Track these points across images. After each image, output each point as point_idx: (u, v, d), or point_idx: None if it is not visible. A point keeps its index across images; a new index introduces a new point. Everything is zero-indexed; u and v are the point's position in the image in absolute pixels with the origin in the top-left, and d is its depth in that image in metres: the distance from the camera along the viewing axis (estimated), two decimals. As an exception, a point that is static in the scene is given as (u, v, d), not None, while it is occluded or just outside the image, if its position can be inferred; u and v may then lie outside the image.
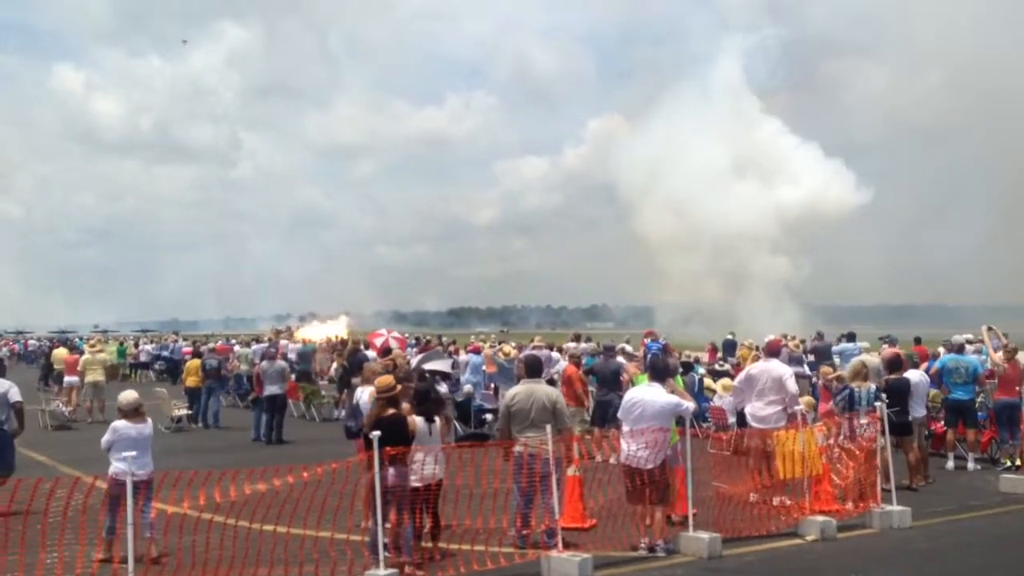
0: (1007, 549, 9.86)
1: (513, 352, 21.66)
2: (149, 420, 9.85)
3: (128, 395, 9.88)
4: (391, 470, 8.42)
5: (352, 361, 21.33)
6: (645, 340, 16.85)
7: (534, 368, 10.26)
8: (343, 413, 21.21)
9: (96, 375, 22.72)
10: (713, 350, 29.65)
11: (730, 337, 29.87)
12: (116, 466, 9.05)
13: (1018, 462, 13.44)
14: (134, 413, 9.59)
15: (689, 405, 9.95)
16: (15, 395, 11.97)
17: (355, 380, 20.55)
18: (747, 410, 11.68)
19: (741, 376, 12.14)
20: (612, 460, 12.70)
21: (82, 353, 26.13)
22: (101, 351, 25.80)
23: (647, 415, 9.27)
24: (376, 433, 8.34)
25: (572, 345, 26.16)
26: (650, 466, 9.20)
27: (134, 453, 8.92)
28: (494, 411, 18.32)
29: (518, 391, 9.93)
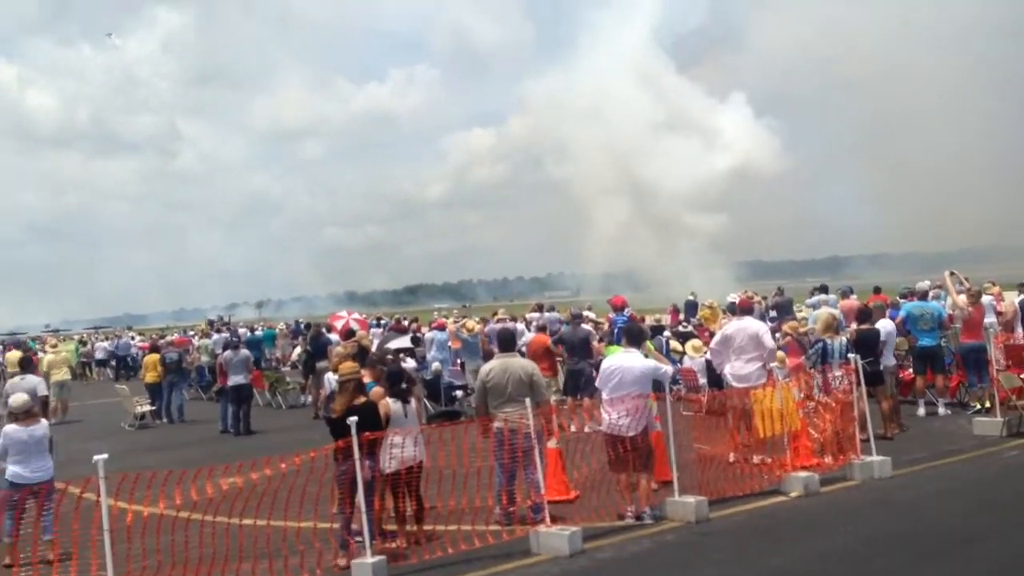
0: (990, 491, 9.94)
1: (477, 327, 21.48)
2: (43, 421, 9.70)
3: (18, 398, 9.79)
4: (366, 462, 8.21)
5: (315, 345, 21.03)
6: (611, 315, 16.66)
7: (507, 342, 10.09)
8: (309, 399, 20.99)
9: (62, 375, 22.30)
10: (675, 311, 29.74)
11: (691, 298, 30.00)
12: (10, 469, 9.18)
13: (987, 404, 13.60)
14: (25, 415, 9.46)
15: (668, 369, 9.90)
16: (42, 389, 13.73)
17: (320, 364, 20.43)
18: (727, 370, 11.62)
19: (717, 337, 12.08)
20: (587, 429, 12.68)
21: (36, 354, 25.48)
22: (61, 351, 25.24)
23: (627, 381, 9.16)
24: (353, 419, 8.13)
25: (536, 315, 26.06)
26: (632, 433, 9.11)
27: (19, 456, 9.10)
28: (463, 387, 18.19)
29: (493, 366, 9.76)
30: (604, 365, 9.58)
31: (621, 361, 9.37)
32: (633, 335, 9.92)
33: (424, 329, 26.08)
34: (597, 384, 9.56)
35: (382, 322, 34.39)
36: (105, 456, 7.02)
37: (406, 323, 31.21)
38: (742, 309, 12.50)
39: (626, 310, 17.42)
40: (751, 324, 11.97)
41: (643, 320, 21.96)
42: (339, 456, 8.28)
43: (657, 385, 9.60)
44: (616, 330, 14.00)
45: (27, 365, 15.11)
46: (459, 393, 17.87)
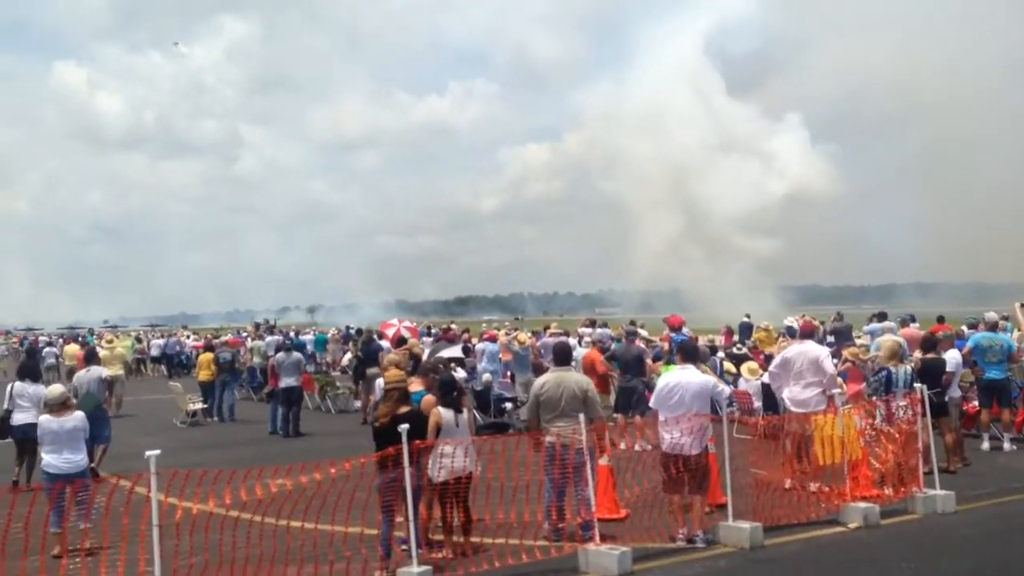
0: (1057, 533, 9.54)
1: (528, 340, 21.36)
2: (77, 413, 9.80)
3: (54, 389, 10.04)
4: (411, 471, 8.10)
5: (367, 351, 21.07)
6: (669, 334, 16.34)
7: (563, 356, 9.93)
8: (359, 404, 21.00)
9: (116, 370, 22.59)
10: (729, 333, 29.32)
11: (746, 319, 29.49)
12: (45, 459, 9.45)
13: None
14: (60, 407, 9.62)
15: (724, 387, 9.68)
16: (107, 374, 15.25)
17: (370, 370, 20.46)
18: (785, 394, 11.33)
19: (777, 360, 11.80)
20: (637, 448, 12.45)
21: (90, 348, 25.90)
22: (116, 347, 25.61)
23: (687, 398, 8.94)
24: (404, 426, 8.04)
25: (587, 330, 25.87)
26: (695, 451, 8.88)
27: (52, 447, 9.33)
28: (513, 400, 18.07)
29: (547, 379, 9.61)
30: (661, 383, 9.33)
31: (679, 378, 9.15)
32: (688, 351, 9.72)
33: (474, 340, 26.06)
34: (653, 403, 9.30)
35: (432, 331, 34.48)
36: (157, 452, 7.01)
37: (457, 332, 31.31)
38: (804, 333, 12.21)
39: (683, 329, 17.18)
40: (812, 348, 11.67)
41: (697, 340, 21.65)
42: (381, 464, 8.19)
43: (712, 405, 9.37)
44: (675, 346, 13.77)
45: (92, 357, 16.06)
46: (508, 405, 17.75)
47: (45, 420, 9.54)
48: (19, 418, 12.54)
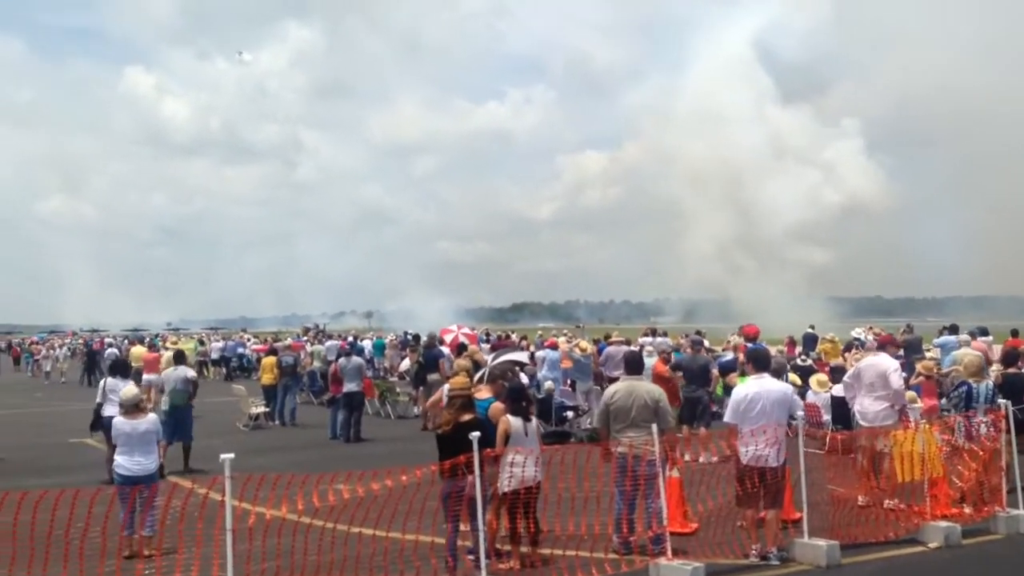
0: None
1: (590, 348, 21.19)
2: (150, 416, 9.92)
3: (128, 391, 10.18)
4: (469, 479, 8.01)
5: (427, 357, 21.09)
6: (746, 344, 15.98)
7: (635, 364, 9.75)
8: (419, 410, 21.02)
9: (179, 372, 22.86)
10: (791, 344, 28.79)
11: (810, 331, 28.93)
12: (117, 460, 9.56)
13: None
14: (133, 409, 9.71)
15: (798, 399, 9.43)
16: (192, 374, 16.10)
17: (431, 376, 20.49)
18: (855, 407, 11.03)
19: (851, 371, 11.47)
20: (702, 460, 12.23)
21: (159, 351, 26.34)
22: (181, 348, 25.96)
23: (768, 407, 8.71)
24: (476, 434, 7.96)
25: (648, 339, 25.57)
26: (776, 464, 8.66)
27: (124, 448, 9.43)
28: (574, 408, 17.92)
29: (618, 388, 9.46)
30: (740, 394, 9.02)
31: (759, 387, 8.90)
32: (761, 360, 9.47)
33: (531, 347, 25.94)
34: (730, 416, 9.01)
35: (490, 337, 34.45)
36: (231, 455, 7.03)
37: (515, 340, 31.23)
38: (880, 344, 11.85)
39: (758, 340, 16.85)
40: (882, 361, 11.31)
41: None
42: (444, 473, 8.12)
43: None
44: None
45: (180, 358, 17.07)
46: (570, 414, 17.60)
47: (119, 422, 9.65)
48: (110, 412, 12.82)
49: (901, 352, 21.71)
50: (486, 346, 27.89)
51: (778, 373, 9.86)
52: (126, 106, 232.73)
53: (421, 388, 20.92)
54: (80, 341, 53.43)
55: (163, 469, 12.41)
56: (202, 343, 43.80)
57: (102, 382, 14.15)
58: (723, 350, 22.12)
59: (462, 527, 8.44)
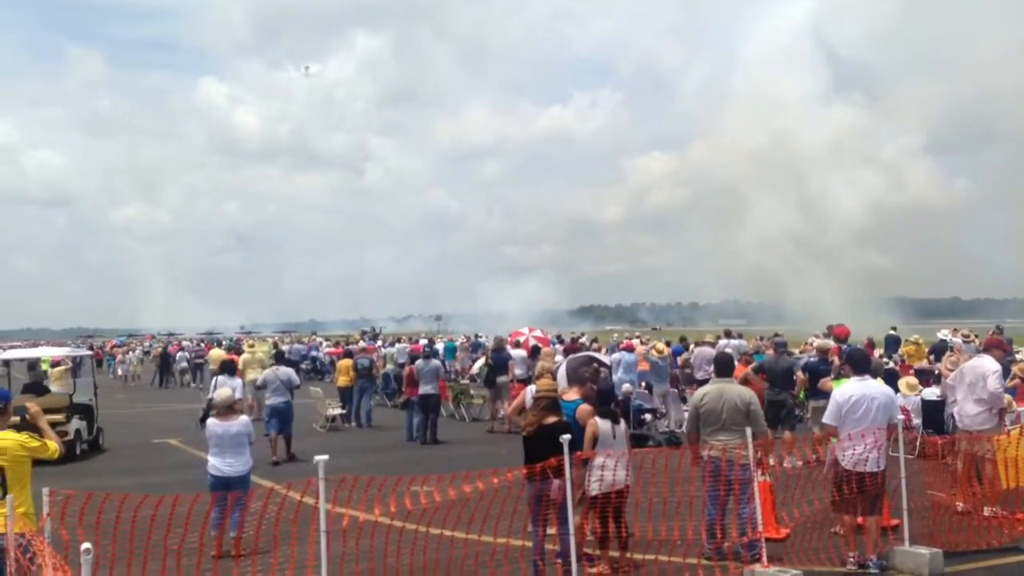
0: None
1: (666, 350, 20.93)
2: (242, 418, 10.00)
3: (221, 392, 10.37)
4: (555, 482, 7.90)
5: (496, 359, 21.13)
6: (839, 346, 15.57)
7: (725, 366, 9.54)
8: (490, 412, 21.02)
9: (256, 373, 23.23)
10: (871, 346, 28.07)
11: (892, 332, 28.20)
12: (210, 461, 9.71)
13: None
14: (226, 411, 9.84)
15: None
16: (296, 379, 17.30)
17: (500, 379, 20.53)
18: (955, 410, 10.66)
19: (955, 373, 11.07)
20: (787, 464, 11.92)
21: (240, 353, 26.80)
22: (257, 351, 26.44)
23: (873, 410, 8.45)
24: (566, 437, 7.86)
25: (724, 342, 25.21)
26: (878, 469, 8.40)
27: (216, 449, 9.61)
28: (652, 411, 17.69)
29: (708, 391, 9.26)
30: (843, 395, 8.68)
31: (863, 390, 8.62)
32: (860, 361, 9.17)
33: (603, 350, 25.73)
34: (831, 419, 8.71)
35: (562, 339, 34.33)
36: (325, 457, 7.00)
37: (585, 341, 31.06)
38: (987, 346, 11.42)
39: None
40: (983, 363, 10.89)
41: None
42: (531, 476, 8.01)
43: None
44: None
45: (280, 358, 18.98)
46: (648, 417, 17.39)
47: (212, 423, 9.79)
48: None
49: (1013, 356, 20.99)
50: (559, 347, 27.77)
51: (874, 375, 9.52)
52: (200, 116, 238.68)
53: (490, 390, 21.00)
54: (159, 345, 54.77)
55: (277, 459, 15.42)
56: (275, 346, 44.56)
57: (213, 380, 15.49)
58: (800, 352, 21.65)
59: (550, 531, 8.34)
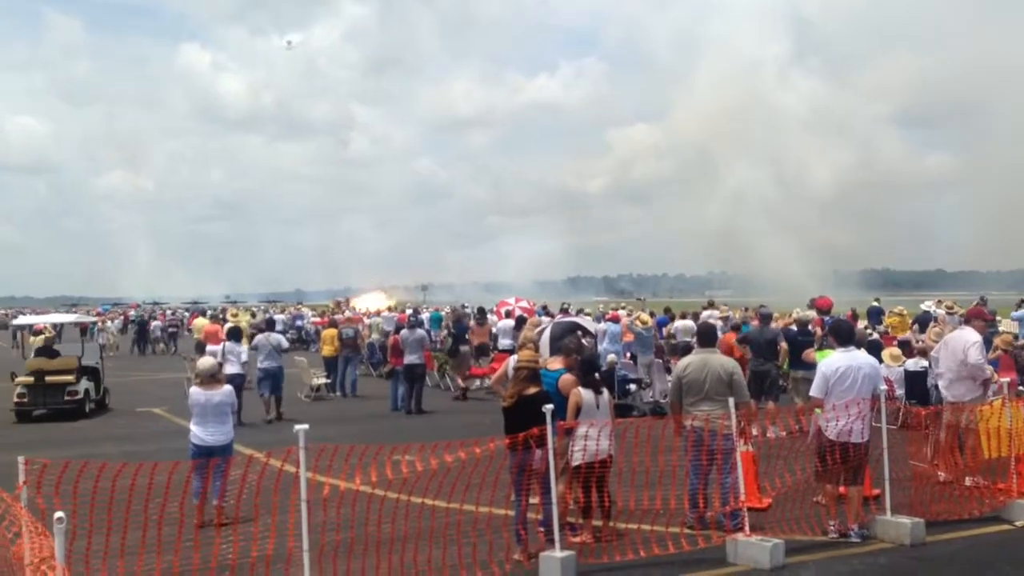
0: None
1: (650, 321, 20.93)
2: (225, 387, 9.94)
3: (204, 361, 10.30)
4: (537, 452, 7.87)
5: (458, 329, 21.41)
6: (821, 318, 15.60)
7: (708, 336, 9.52)
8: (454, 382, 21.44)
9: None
10: (854, 317, 28.16)
11: (875, 304, 28.30)
12: (192, 429, 9.67)
13: None
14: (209, 379, 9.78)
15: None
16: (284, 343, 19.06)
17: (463, 348, 20.84)
18: (941, 383, 10.67)
19: (939, 344, 11.09)
20: (770, 435, 11.96)
21: (225, 323, 26.62)
22: (240, 320, 26.33)
23: (859, 380, 8.47)
24: (549, 407, 7.82)
25: (707, 313, 25.24)
26: (862, 439, 8.41)
27: (199, 419, 9.60)
28: (637, 381, 17.70)
29: (691, 360, 9.23)
30: (831, 367, 8.69)
31: (849, 360, 8.61)
32: (844, 333, 9.16)
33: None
34: (817, 390, 8.69)
35: (547, 310, 34.25)
36: (306, 426, 6.94)
37: (572, 312, 30.98)
38: (969, 317, 11.44)
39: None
40: (965, 335, 10.90)
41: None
42: (512, 446, 7.97)
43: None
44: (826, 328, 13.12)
45: (271, 324, 21.51)
46: (632, 387, 17.40)
47: (194, 392, 9.72)
48: (228, 370, 15.31)
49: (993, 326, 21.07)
50: (546, 319, 27.71)
51: (858, 346, 9.51)
52: (182, 83, 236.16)
53: (451, 359, 21.71)
54: (144, 314, 54.45)
55: (270, 418, 16.89)
56: (253, 315, 44.51)
57: (220, 346, 16.83)
58: (784, 324, 21.65)
59: (533, 500, 8.32)
